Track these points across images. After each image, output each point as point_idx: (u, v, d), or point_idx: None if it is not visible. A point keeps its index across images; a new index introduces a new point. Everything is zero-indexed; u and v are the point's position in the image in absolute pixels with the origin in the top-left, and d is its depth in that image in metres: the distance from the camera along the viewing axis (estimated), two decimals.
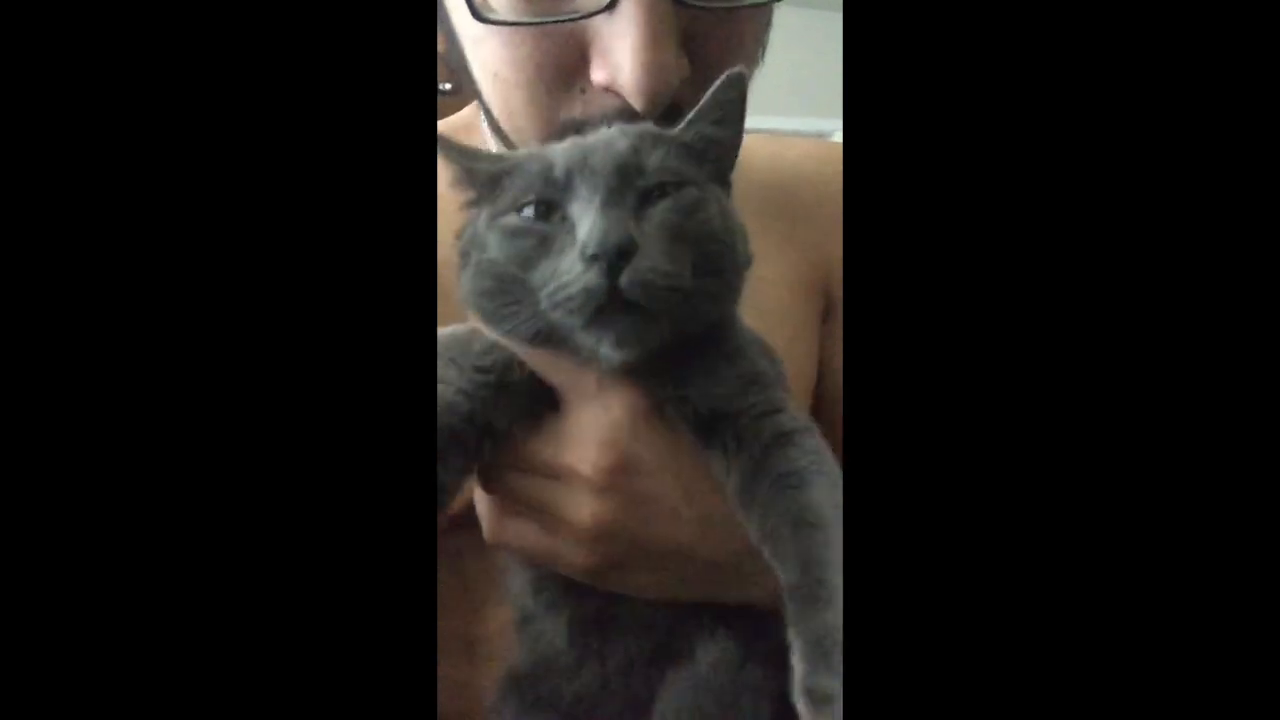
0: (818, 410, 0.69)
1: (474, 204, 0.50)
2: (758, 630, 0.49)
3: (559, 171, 0.45)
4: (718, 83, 0.49)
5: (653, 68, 0.52)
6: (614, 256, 0.42)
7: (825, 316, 0.71)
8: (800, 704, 0.41)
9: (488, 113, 0.61)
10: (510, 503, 0.51)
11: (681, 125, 0.49)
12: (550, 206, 0.46)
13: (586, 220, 0.44)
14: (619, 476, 0.49)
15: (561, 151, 0.46)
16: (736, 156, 0.52)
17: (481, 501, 0.53)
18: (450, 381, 0.48)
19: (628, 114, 0.53)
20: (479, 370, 0.48)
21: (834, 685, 0.40)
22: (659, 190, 0.46)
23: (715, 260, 0.47)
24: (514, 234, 0.46)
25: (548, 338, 0.46)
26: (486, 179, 0.48)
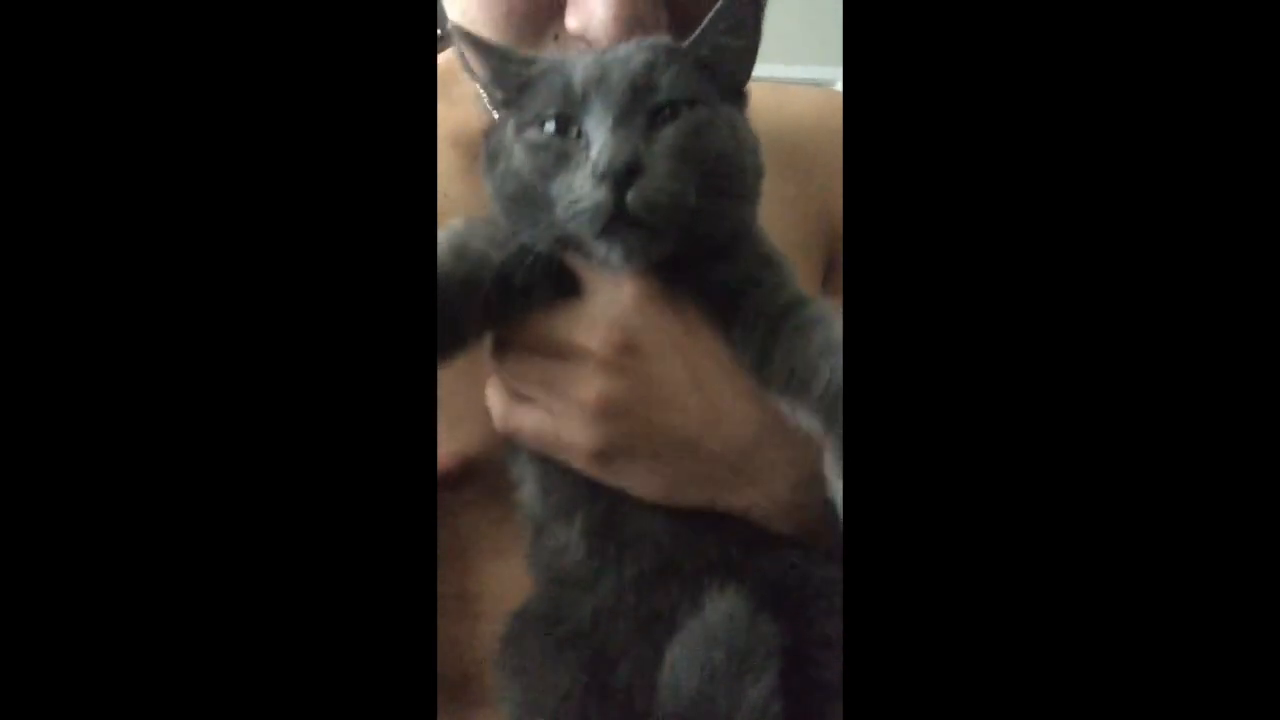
0: None
1: (504, 104, 0.52)
2: (768, 585, 0.50)
3: (577, 88, 0.48)
4: None
5: (626, 19, 0.52)
6: (621, 176, 0.45)
7: (827, 274, 0.71)
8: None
9: (463, 56, 0.60)
10: (520, 387, 0.53)
11: (696, 35, 0.50)
12: (569, 121, 0.48)
13: (598, 139, 0.47)
14: (627, 356, 0.51)
15: (582, 67, 0.48)
16: (752, 66, 0.53)
17: (492, 390, 0.55)
18: (480, 235, 0.51)
19: None
20: (509, 235, 0.51)
21: None
22: (670, 109, 0.48)
23: (722, 178, 0.49)
24: (536, 148, 0.49)
25: (565, 243, 0.49)
26: (515, 84, 0.51)
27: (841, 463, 0.46)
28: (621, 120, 0.47)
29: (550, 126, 0.49)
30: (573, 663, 0.52)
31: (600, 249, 0.48)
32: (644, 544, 0.52)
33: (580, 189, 0.46)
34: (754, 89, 0.54)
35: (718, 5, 0.50)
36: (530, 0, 0.55)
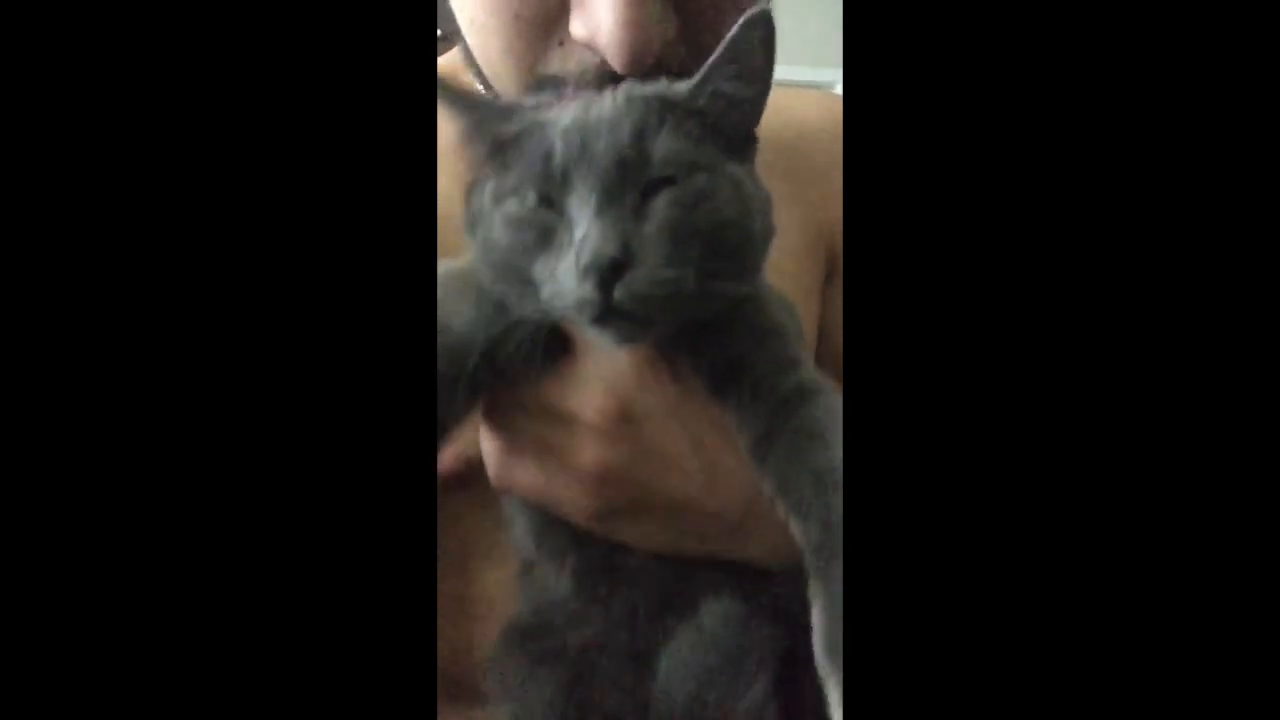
0: None
1: (483, 163, 0.49)
2: (762, 588, 0.50)
3: (557, 164, 0.44)
4: (736, 26, 0.45)
5: (633, 25, 0.50)
6: (607, 272, 0.41)
7: (828, 278, 0.71)
8: (824, 660, 0.43)
9: (470, 58, 0.60)
10: (516, 444, 0.51)
11: (696, 80, 0.46)
12: (549, 200, 0.45)
13: (582, 224, 0.43)
14: (624, 424, 0.49)
15: (562, 134, 0.44)
16: (761, 112, 0.49)
17: (487, 441, 0.53)
18: (461, 315, 0.48)
19: (608, 72, 0.52)
20: (493, 306, 0.48)
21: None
22: (664, 180, 0.44)
23: (726, 254, 0.45)
24: (516, 223, 0.45)
25: (555, 320, 0.46)
26: (491, 144, 0.48)
27: (824, 603, 0.44)
28: (607, 202, 0.43)
29: (530, 200, 0.45)
30: (557, 677, 0.51)
31: (591, 333, 0.46)
32: (637, 584, 0.51)
33: (564, 281, 0.43)
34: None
35: (721, 47, 0.45)
36: (535, 5, 0.54)
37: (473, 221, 0.48)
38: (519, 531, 0.55)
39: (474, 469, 0.59)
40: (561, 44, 0.55)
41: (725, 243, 0.45)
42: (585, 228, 0.42)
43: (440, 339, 0.46)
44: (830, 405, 0.48)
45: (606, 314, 0.42)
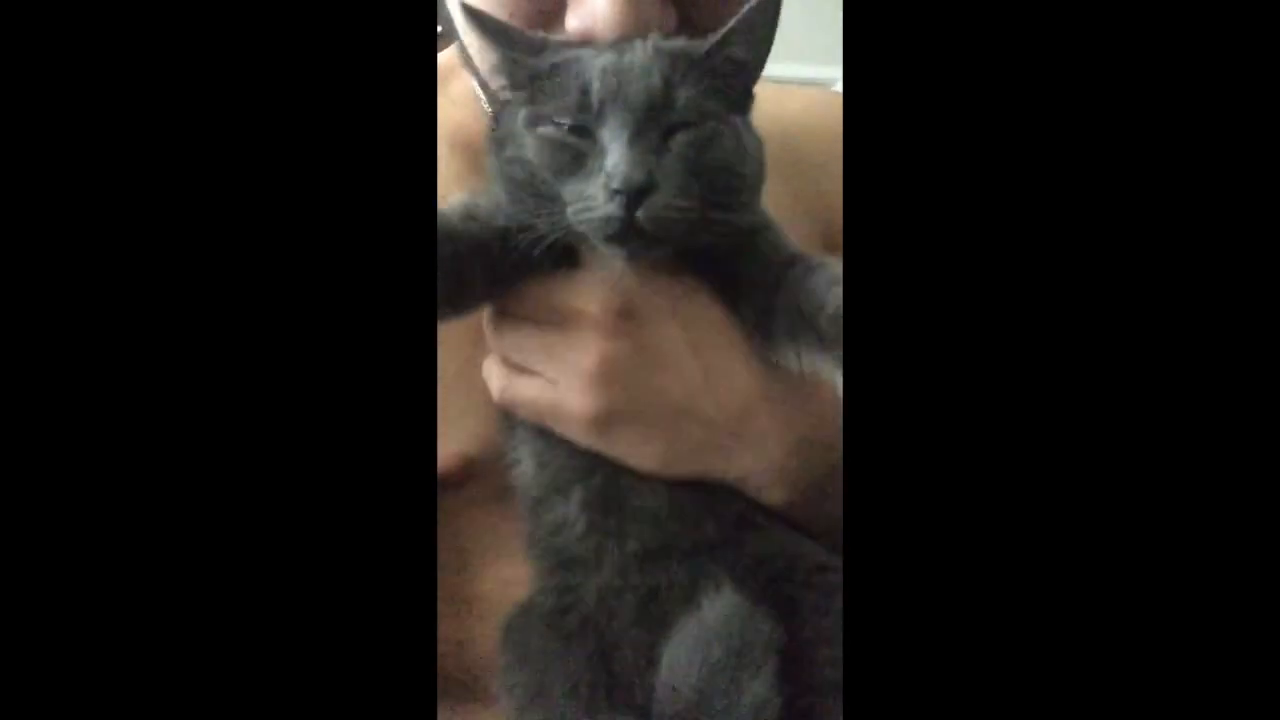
0: None
1: (512, 90, 0.53)
2: (765, 585, 0.51)
3: (594, 98, 0.49)
4: (751, 5, 0.51)
5: (630, 19, 0.52)
6: (634, 194, 0.47)
7: None
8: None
9: (465, 57, 0.60)
10: (518, 358, 0.55)
11: (713, 41, 0.51)
12: (583, 127, 0.49)
13: (614, 153, 0.48)
14: (625, 320, 0.52)
15: (599, 73, 0.49)
16: (760, 75, 0.55)
17: (490, 364, 0.56)
18: (487, 203, 0.53)
19: None
20: (514, 207, 0.52)
21: None
22: (682, 124, 0.49)
23: (726, 188, 0.51)
24: (550, 145, 0.50)
25: (569, 232, 0.50)
26: (525, 73, 0.52)
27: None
28: (637, 135, 0.48)
29: (566, 126, 0.50)
30: (578, 656, 0.52)
31: (604, 248, 0.50)
32: (642, 519, 0.53)
33: (594, 198, 0.48)
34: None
35: (734, 20, 0.51)
36: (532, 4, 0.55)
37: (500, 142, 0.53)
38: (524, 470, 0.56)
39: (472, 468, 0.60)
40: (554, 29, 0.55)
41: (726, 181, 0.51)
42: (617, 155, 0.48)
43: (465, 221, 0.52)
44: (824, 258, 0.53)
45: (627, 231, 0.48)
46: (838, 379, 0.49)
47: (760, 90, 0.55)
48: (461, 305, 0.53)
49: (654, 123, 0.49)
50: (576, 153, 0.49)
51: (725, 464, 0.54)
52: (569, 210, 0.49)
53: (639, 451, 0.53)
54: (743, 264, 0.54)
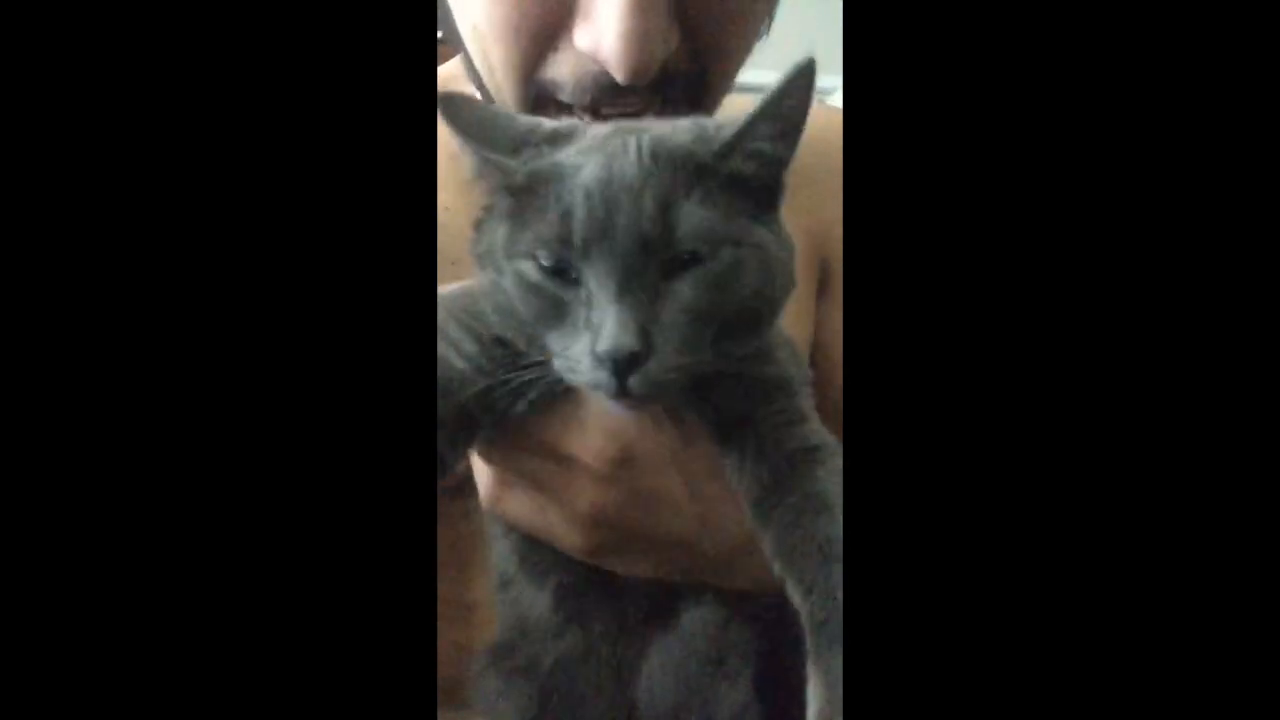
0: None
1: (493, 193, 0.47)
2: (742, 594, 0.51)
3: (576, 231, 0.41)
4: (782, 81, 0.43)
5: (636, 37, 0.51)
6: (624, 364, 0.40)
7: (820, 291, 0.71)
8: None
9: (470, 65, 0.60)
10: (510, 477, 0.52)
11: (731, 137, 0.43)
12: (566, 268, 0.43)
13: (598, 308, 0.41)
14: (622, 468, 0.48)
15: (584, 197, 0.41)
16: (791, 156, 0.46)
17: (481, 471, 0.53)
18: (463, 351, 0.46)
19: (608, 81, 0.53)
20: (497, 343, 0.46)
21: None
22: (688, 258, 0.42)
23: (747, 324, 0.44)
24: (531, 289, 0.43)
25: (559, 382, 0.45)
26: (502, 184, 0.45)
27: (822, 684, 0.44)
28: (627, 285, 0.41)
29: (548, 264, 0.43)
30: (531, 689, 0.52)
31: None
32: (625, 598, 0.51)
33: (578, 360, 0.42)
34: (746, 103, 0.54)
35: (764, 101, 0.43)
36: (539, 15, 0.55)
37: (483, 257, 0.46)
38: (501, 550, 0.56)
39: (468, 476, 0.60)
40: (557, 50, 0.55)
41: (747, 315, 0.44)
42: (602, 313, 0.41)
43: (440, 373, 0.45)
44: (836, 468, 0.47)
45: (619, 397, 0.42)
46: (819, 673, 0.45)
47: (750, 104, 0.55)
48: (448, 468, 0.49)
49: (650, 263, 0.41)
50: (558, 301, 0.42)
51: (719, 580, 0.53)
52: (555, 364, 0.43)
53: (631, 569, 0.52)
54: (748, 431, 0.49)
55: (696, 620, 0.49)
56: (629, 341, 0.39)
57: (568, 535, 0.51)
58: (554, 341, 0.43)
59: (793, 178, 0.68)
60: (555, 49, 0.56)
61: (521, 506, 0.52)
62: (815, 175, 0.71)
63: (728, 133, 0.42)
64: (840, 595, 0.43)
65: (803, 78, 0.42)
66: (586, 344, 0.41)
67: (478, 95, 0.63)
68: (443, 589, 0.53)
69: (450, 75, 0.70)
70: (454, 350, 0.46)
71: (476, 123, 0.45)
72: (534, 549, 0.54)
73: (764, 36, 0.62)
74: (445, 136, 0.58)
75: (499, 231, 0.45)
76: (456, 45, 0.63)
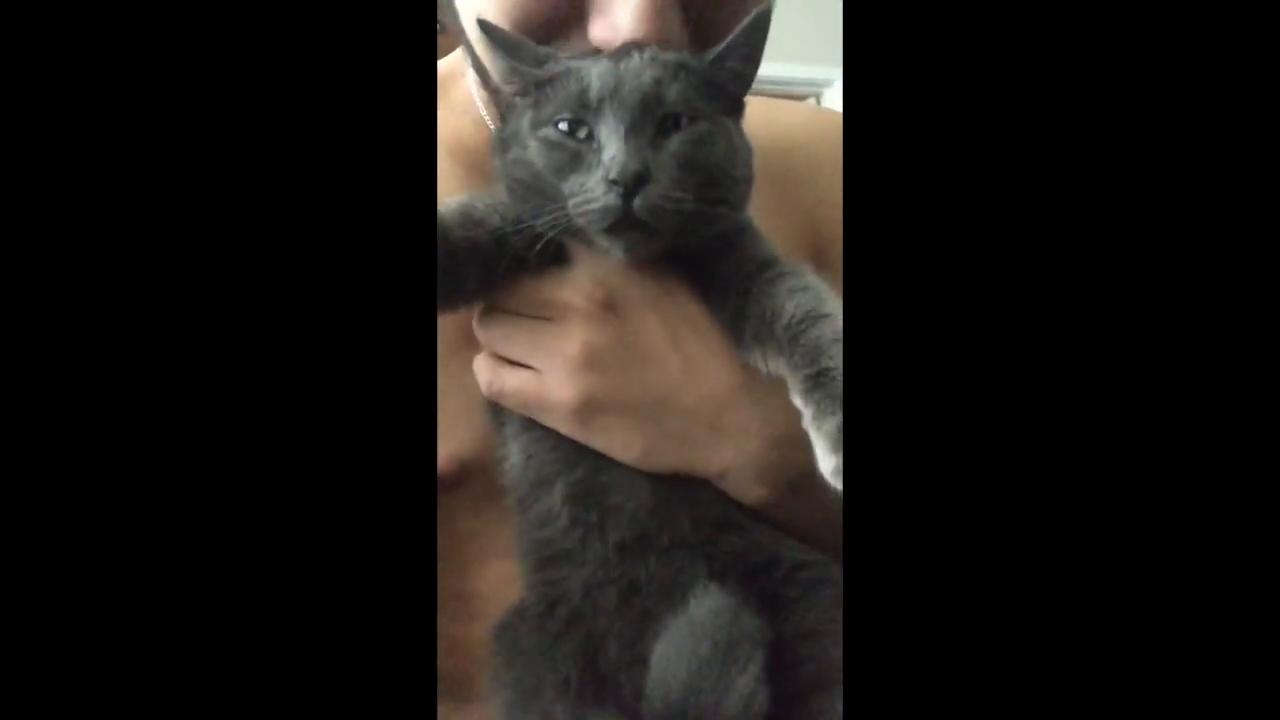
0: None
1: (518, 96, 0.57)
2: (743, 579, 0.53)
3: (593, 97, 0.52)
4: (746, 21, 0.55)
5: (651, 32, 0.54)
6: (631, 184, 0.50)
7: None
8: (832, 480, 0.48)
9: (473, 54, 0.61)
10: (507, 351, 0.57)
11: (710, 57, 0.55)
12: (582, 125, 0.53)
13: (611, 147, 0.51)
14: (608, 310, 0.56)
15: (597, 75, 0.53)
16: (751, 83, 0.58)
17: (481, 360, 0.59)
18: (485, 203, 0.56)
19: None
20: (512, 207, 0.56)
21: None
22: (674, 122, 0.53)
23: (718, 186, 0.54)
24: (550, 145, 0.53)
25: (567, 230, 0.54)
26: (531, 81, 0.56)
27: (803, 385, 0.50)
28: (633, 130, 0.51)
29: (565, 127, 0.53)
30: (566, 654, 0.54)
31: (602, 243, 0.54)
32: (622, 514, 0.55)
33: (593, 190, 0.51)
34: (747, 102, 0.56)
35: (731, 36, 0.55)
36: (550, 10, 0.57)
37: (505, 143, 0.57)
38: (511, 464, 0.59)
39: (467, 470, 0.61)
40: (568, 40, 0.57)
41: (718, 178, 0.54)
42: (614, 149, 0.51)
43: (463, 222, 0.55)
44: (795, 264, 0.56)
45: (624, 220, 0.51)
46: (797, 383, 0.51)
47: (754, 105, 0.57)
48: (453, 304, 0.56)
49: (648, 119, 0.52)
50: (576, 152, 0.52)
51: (705, 458, 0.55)
52: (570, 203, 0.52)
53: (620, 442, 0.55)
54: (720, 266, 0.57)
55: (706, 609, 0.50)
56: (634, 165, 0.50)
57: (561, 390, 0.55)
58: (571, 184, 0.52)
59: (787, 176, 0.71)
60: (567, 38, 0.58)
61: (516, 379, 0.57)
62: (809, 177, 0.73)
63: (713, 53, 0.55)
64: (831, 358, 0.49)
65: (763, 18, 0.55)
66: (600, 175, 0.51)
67: (480, 85, 0.63)
68: (442, 582, 0.54)
69: (450, 71, 0.71)
70: (474, 207, 0.56)
71: (509, 42, 0.56)
72: (538, 451, 0.57)
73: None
74: (443, 133, 0.59)
75: (525, 116, 0.55)
76: (457, 35, 0.63)
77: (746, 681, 0.47)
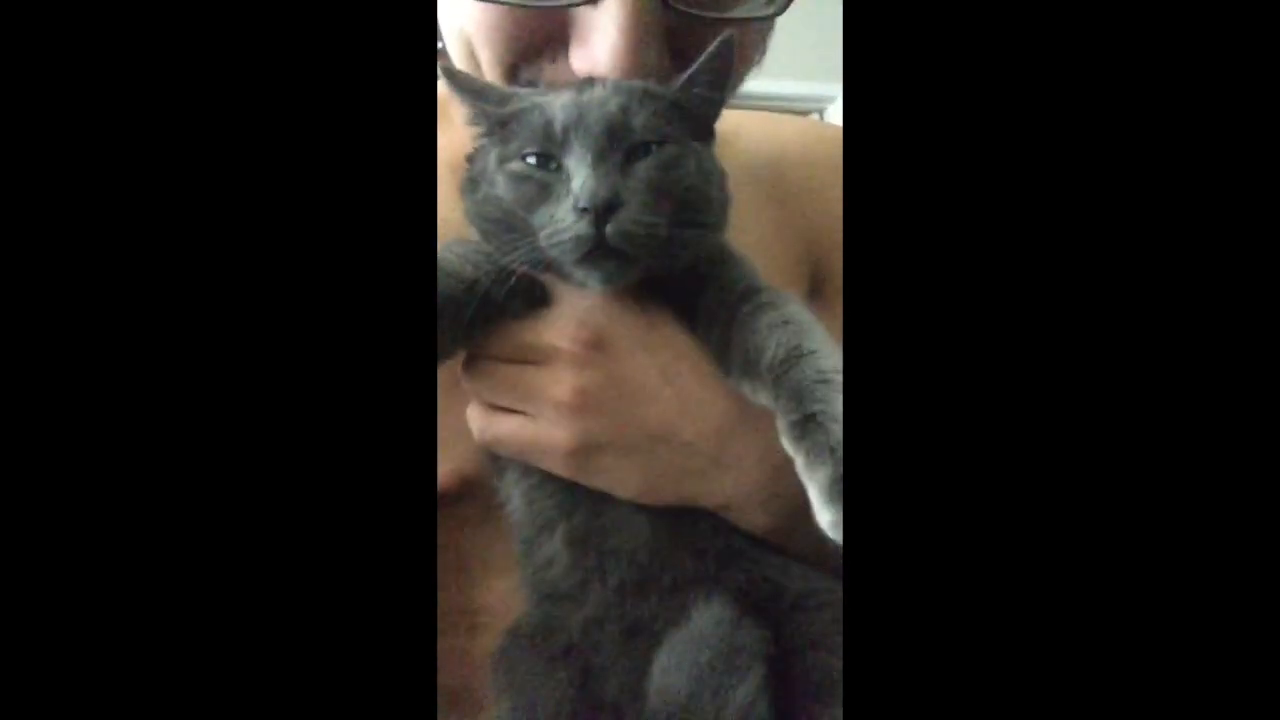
0: None
1: (485, 136, 0.57)
2: (752, 597, 0.53)
3: (558, 128, 0.52)
4: (711, 48, 0.54)
5: (632, 63, 0.55)
6: (601, 210, 0.50)
7: (812, 292, 0.73)
8: (830, 534, 0.48)
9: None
10: (496, 398, 0.57)
11: (678, 85, 0.55)
12: (549, 157, 0.53)
13: (579, 175, 0.51)
14: (596, 351, 0.55)
15: (561, 108, 0.53)
16: (721, 109, 0.59)
17: (473, 409, 0.58)
18: (457, 253, 0.56)
19: None
20: (484, 253, 0.55)
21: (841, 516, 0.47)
22: (643, 148, 0.53)
23: (691, 208, 0.54)
24: (519, 179, 0.53)
25: (543, 266, 0.54)
26: (495, 120, 0.56)
27: (792, 432, 0.49)
28: (600, 158, 0.51)
29: (532, 160, 0.53)
30: (563, 678, 0.54)
31: (578, 274, 0.53)
32: (622, 554, 0.55)
33: (563, 220, 0.51)
34: (744, 118, 0.57)
35: (697, 63, 0.55)
36: (533, 32, 0.58)
37: (474, 181, 0.57)
38: (514, 508, 0.59)
39: (467, 485, 0.61)
40: (553, 61, 0.59)
41: (691, 201, 0.54)
42: (583, 176, 0.51)
43: (445, 276, 0.54)
44: (778, 294, 0.56)
45: (598, 248, 0.50)
46: (783, 418, 0.50)
47: (755, 118, 0.58)
48: (444, 351, 0.55)
49: (616, 146, 0.52)
50: (544, 184, 0.52)
51: (706, 489, 0.55)
52: (541, 235, 0.51)
53: (619, 480, 0.55)
54: (702, 295, 0.57)
55: (708, 619, 0.50)
56: (604, 192, 0.50)
57: (555, 434, 0.55)
58: (540, 215, 0.52)
59: (786, 189, 0.71)
60: (553, 60, 0.59)
61: (509, 425, 0.57)
62: (805, 190, 0.74)
63: (681, 79, 0.55)
64: (806, 381, 0.49)
65: (723, 51, 0.54)
66: (569, 204, 0.51)
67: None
68: (443, 596, 0.54)
69: (445, 97, 0.72)
70: (456, 261, 0.55)
71: (472, 87, 0.57)
72: (539, 496, 0.57)
73: (758, 64, 0.65)
74: (443, 152, 0.59)
75: (491, 154, 0.56)
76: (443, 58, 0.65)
77: (746, 691, 0.47)
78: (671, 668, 0.49)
